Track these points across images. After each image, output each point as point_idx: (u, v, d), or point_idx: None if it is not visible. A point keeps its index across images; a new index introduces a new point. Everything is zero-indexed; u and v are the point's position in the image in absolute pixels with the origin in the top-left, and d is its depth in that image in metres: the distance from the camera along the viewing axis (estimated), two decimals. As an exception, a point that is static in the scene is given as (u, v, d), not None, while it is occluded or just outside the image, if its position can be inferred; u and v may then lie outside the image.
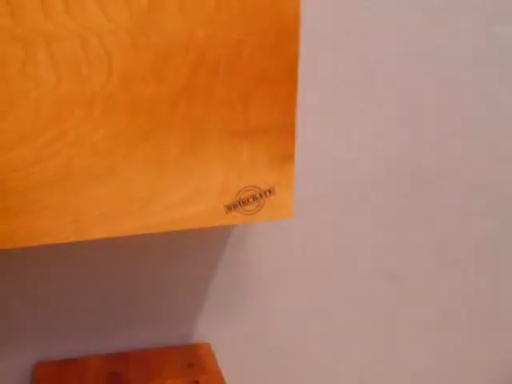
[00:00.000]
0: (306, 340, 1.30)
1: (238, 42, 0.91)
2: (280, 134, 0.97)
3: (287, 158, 0.97)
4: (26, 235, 0.89)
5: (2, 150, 0.86)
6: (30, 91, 0.83)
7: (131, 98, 0.88)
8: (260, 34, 0.91)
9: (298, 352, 1.30)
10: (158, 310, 1.20)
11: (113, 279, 1.16)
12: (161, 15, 0.86)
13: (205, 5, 0.87)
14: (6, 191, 0.88)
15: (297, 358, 1.30)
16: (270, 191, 0.98)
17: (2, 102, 0.83)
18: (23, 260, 1.11)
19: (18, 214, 0.87)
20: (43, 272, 1.12)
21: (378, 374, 1.39)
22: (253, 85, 0.94)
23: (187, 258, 1.18)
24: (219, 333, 1.22)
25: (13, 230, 0.89)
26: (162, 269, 1.17)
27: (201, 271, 1.20)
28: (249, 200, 0.97)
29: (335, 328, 1.31)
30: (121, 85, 0.87)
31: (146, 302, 1.19)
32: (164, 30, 0.87)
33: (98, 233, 0.90)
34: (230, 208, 0.97)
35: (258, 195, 0.97)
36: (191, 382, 1.09)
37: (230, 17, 0.88)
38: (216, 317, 1.22)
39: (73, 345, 1.17)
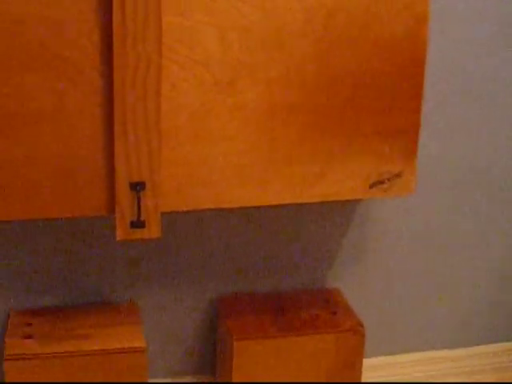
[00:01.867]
0: (411, 287, 1.68)
1: (384, 71, 1.28)
2: (409, 135, 1.34)
3: (413, 152, 1.35)
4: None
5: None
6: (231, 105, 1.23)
7: (312, 107, 1.26)
8: (397, 65, 1.29)
9: (405, 297, 1.68)
10: (303, 262, 1.59)
11: (277, 239, 1.56)
12: (332, 53, 1.24)
13: (363, 46, 1.25)
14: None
15: (404, 302, 1.68)
16: (399, 175, 1.34)
17: (225, 109, 1.22)
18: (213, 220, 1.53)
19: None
20: (226, 231, 1.54)
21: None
22: (393, 100, 1.31)
23: (327, 223, 1.57)
24: (346, 280, 1.61)
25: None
26: (310, 232, 1.57)
27: (335, 234, 1.59)
28: (384, 181, 1.34)
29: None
30: (303, 98, 1.26)
31: (295, 255, 1.58)
32: (334, 62, 1.25)
33: (287, 199, 1.29)
34: (372, 186, 1.34)
35: (391, 177, 1.34)
36: (331, 313, 1.48)
37: (382, 54, 1.26)
38: (344, 268, 1.62)
39: (243, 284, 1.58)
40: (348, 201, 1.56)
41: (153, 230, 1.29)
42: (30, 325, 1.42)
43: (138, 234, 1.29)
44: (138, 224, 1.27)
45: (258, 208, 1.51)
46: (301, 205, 1.53)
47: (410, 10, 1.27)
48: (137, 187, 1.25)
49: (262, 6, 1.21)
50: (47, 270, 1.50)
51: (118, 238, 1.28)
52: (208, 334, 1.60)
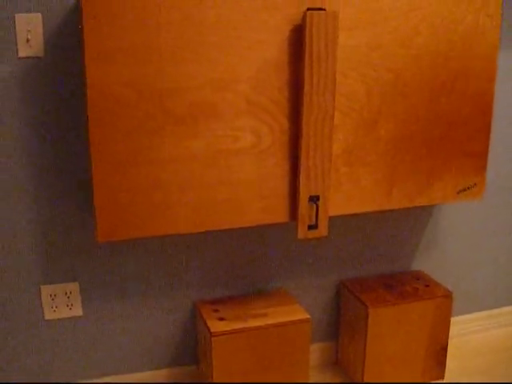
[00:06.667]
0: (471, 268, 2.27)
1: (467, 113, 1.81)
2: (480, 155, 1.88)
3: (483, 167, 1.89)
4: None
5: (355, 168, 1.72)
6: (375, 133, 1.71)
7: (421, 137, 1.78)
8: (475, 109, 1.82)
9: (467, 275, 2.26)
10: (395, 252, 2.13)
11: (376, 236, 2.10)
12: (437, 99, 1.75)
13: (455, 96, 1.77)
14: (357, 184, 1.74)
15: (466, 275, 2.28)
16: (474, 184, 1.88)
17: (367, 142, 1.70)
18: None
19: (360, 196, 1.77)
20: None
21: None
22: (472, 133, 1.85)
23: (408, 224, 2.12)
24: (424, 264, 2.17)
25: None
26: (391, 228, 2.12)
27: (415, 232, 2.14)
28: (466, 189, 1.87)
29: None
30: (415, 131, 1.77)
31: (391, 247, 2.12)
32: (437, 106, 1.77)
33: (404, 203, 1.79)
34: (458, 192, 1.86)
35: (470, 186, 1.87)
36: (425, 286, 1.99)
37: (466, 102, 1.79)
38: (422, 256, 2.15)
39: (357, 269, 2.09)
40: (425, 206, 2.09)
41: (322, 231, 1.75)
42: (217, 311, 1.84)
43: (312, 234, 1.75)
44: (313, 226, 1.72)
45: (366, 215, 2.01)
46: (394, 211, 2.05)
47: (484, 73, 1.83)
48: (314, 199, 1.71)
49: (391, 70, 1.73)
50: (220, 269, 1.94)
51: (299, 237, 1.74)
52: (331, 308, 2.11)
